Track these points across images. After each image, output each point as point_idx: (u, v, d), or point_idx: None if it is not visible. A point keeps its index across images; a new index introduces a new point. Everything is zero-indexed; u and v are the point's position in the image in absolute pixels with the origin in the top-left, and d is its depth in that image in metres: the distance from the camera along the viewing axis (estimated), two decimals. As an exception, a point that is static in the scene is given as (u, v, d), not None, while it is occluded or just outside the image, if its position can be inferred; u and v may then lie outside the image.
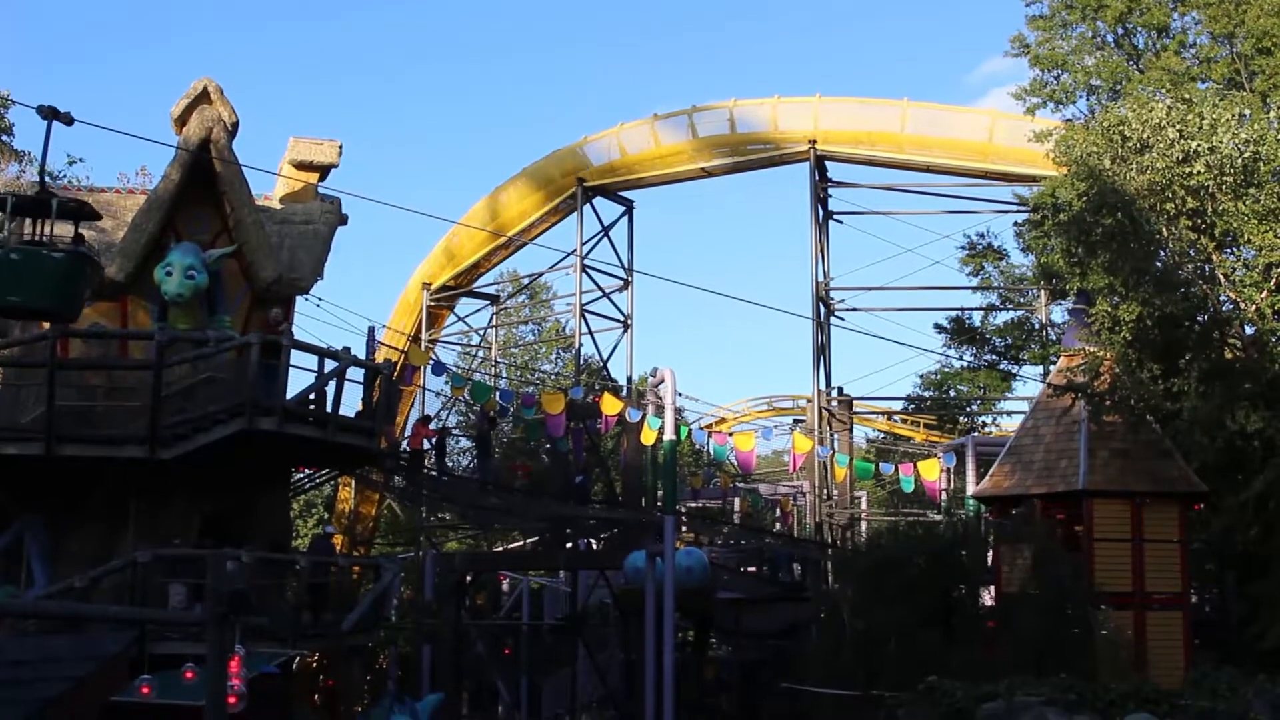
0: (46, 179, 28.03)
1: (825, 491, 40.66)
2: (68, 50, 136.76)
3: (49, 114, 20.92)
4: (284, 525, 26.90)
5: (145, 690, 18.71)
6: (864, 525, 45.79)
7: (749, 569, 40.26)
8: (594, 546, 37.62)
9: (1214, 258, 24.13)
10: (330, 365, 24.56)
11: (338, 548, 33.31)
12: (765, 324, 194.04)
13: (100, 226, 24.76)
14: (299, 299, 26.11)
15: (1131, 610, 25.46)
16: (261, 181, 26.13)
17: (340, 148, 26.96)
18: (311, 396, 24.54)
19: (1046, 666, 21.95)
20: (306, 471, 29.12)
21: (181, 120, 24.57)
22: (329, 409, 24.52)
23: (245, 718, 17.82)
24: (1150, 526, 25.97)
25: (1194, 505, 26.81)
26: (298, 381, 24.52)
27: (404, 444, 33.83)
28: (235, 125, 24.64)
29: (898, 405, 50.77)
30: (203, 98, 24.47)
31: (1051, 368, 33.87)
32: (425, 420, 34.54)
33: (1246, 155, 23.06)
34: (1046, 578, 24.93)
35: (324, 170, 27.15)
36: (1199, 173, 23.03)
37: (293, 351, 23.98)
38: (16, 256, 18.09)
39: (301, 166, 26.97)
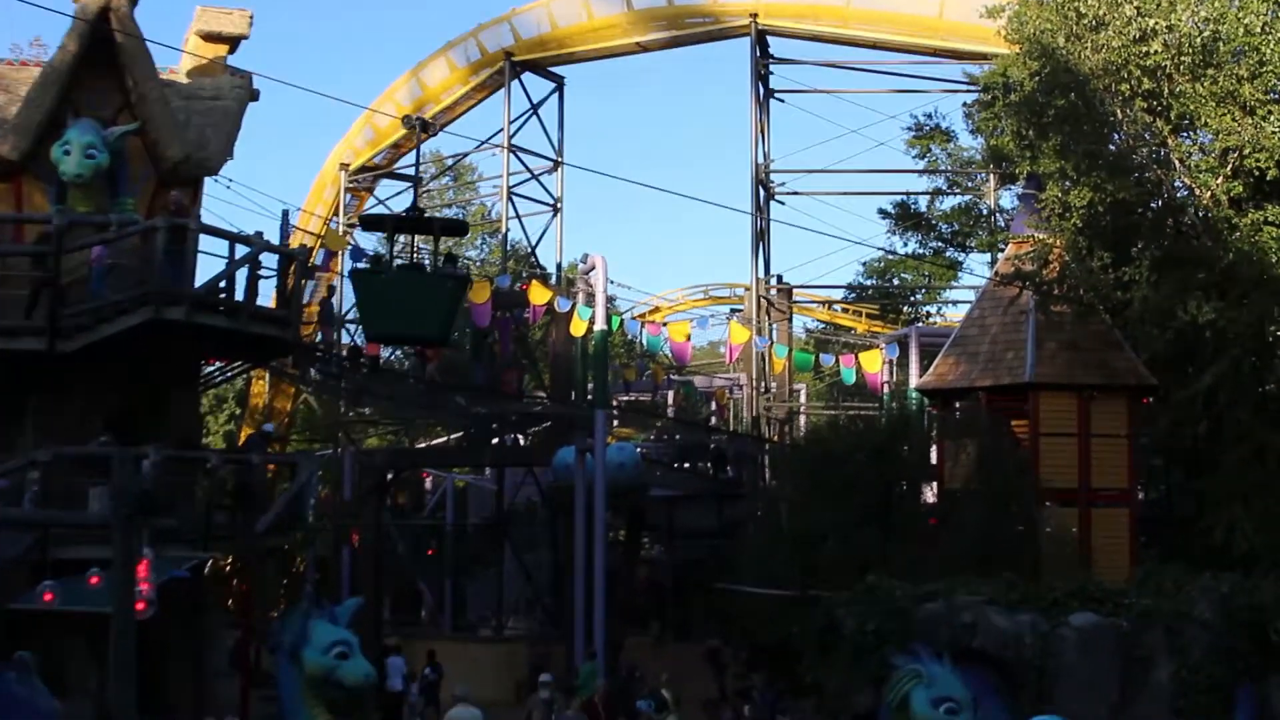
0: None
1: (763, 384, 40.32)
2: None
3: (416, 123, 20.71)
4: (193, 421, 26.26)
5: (48, 597, 18.56)
6: (803, 419, 45.58)
7: (679, 464, 39.73)
8: (521, 442, 37.05)
9: (1169, 141, 23.81)
10: (242, 251, 23.57)
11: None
12: (702, 209, 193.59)
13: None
14: (208, 180, 25.26)
15: (1077, 507, 25.34)
16: (166, 55, 25.59)
17: (251, 18, 26.28)
18: (222, 285, 23.59)
19: (989, 565, 21.67)
20: (217, 364, 28.27)
21: (80, -14, 23.44)
22: (241, 297, 23.60)
23: (154, 624, 17.50)
24: (1097, 421, 25.78)
25: (1143, 399, 26.60)
26: (207, 269, 23.75)
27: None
28: (139, -8, 23.62)
29: (839, 294, 50.38)
30: (103, -38, 23.34)
31: (999, 255, 33.49)
32: None
33: (1206, 34, 22.67)
34: (990, 474, 24.76)
35: (233, 42, 26.37)
36: (1156, 52, 22.67)
37: (201, 237, 23.11)
38: (398, 283, 17.31)
39: (209, 38, 26.14)
